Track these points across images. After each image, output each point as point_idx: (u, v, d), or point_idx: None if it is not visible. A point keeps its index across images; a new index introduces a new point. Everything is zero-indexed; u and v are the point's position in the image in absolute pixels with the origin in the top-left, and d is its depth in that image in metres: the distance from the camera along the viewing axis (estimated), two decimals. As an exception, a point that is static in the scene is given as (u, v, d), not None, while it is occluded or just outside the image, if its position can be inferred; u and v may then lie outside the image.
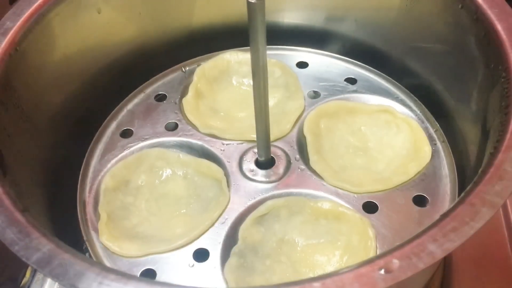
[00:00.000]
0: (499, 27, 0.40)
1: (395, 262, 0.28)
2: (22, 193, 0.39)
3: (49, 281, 0.49)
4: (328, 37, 0.58)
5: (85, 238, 0.44)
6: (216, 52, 0.59)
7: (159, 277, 0.41)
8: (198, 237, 0.43)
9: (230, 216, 0.45)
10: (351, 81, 0.56)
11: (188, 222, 0.46)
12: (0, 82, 0.41)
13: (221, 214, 0.45)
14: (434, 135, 0.50)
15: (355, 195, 0.45)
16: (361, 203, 0.45)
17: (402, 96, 0.54)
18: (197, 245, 0.43)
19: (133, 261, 0.42)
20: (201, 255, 0.42)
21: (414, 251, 0.28)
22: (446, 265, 0.50)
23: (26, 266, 0.50)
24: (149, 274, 0.41)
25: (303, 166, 0.48)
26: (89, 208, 0.46)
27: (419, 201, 0.45)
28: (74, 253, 0.31)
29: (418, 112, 0.52)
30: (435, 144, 0.49)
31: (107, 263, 0.42)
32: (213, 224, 0.44)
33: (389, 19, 0.52)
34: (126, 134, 0.52)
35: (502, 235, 0.51)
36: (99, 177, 0.49)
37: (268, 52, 0.58)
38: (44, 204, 0.43)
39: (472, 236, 0.29)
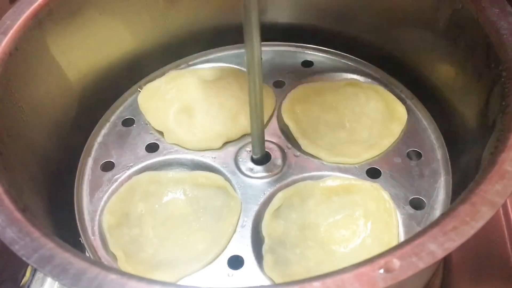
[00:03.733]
0: (499, 27, 0.40)
1: (395, 262, 0.28)
2: (22, 193, 0.38)
3: (49, 280, 0.49)
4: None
5: (110, 281, 0.41)
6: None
7: (203, 296, 0.40)
8: (226, 246, 0.43)
9: (248, 218, 0.45)
10: (308, 64, 0.58)
11: (207, 235, 0.45)
12: (0, 81, 0.41)
13: (239, 218, 0.44)
14: (402, 95, 0.53)
15: (356, 166, 0.47)
16: (364, 171, 0.47)
17: (361, 67, 0.57)
18: (228, 254, 0.42)
19: None
20: (235, 262, 0.42)
21: (415, 250, 0.29)
22: (446, 264, 0.51)
23: (26, 265, 0.49)
24: (192, 296, 0.40)
25: (297, 153, 0.49)
26: (101, 252, 0.43)
27: (413, 155, 0.48)
28: (74, 253, 0.30)
29: (379, 77, 0.55)
30: (405, 102, 0.53)
31: (144, 299, 0.40)
32: (235, 230, 0.44)
33: (389, 17, 0.54)
34: (108, 167, 0.50)
35: (502, 235, 0.51)
36: (97, 217, 0.46)
37: (222, 54, 0.60)
38: None
39: (472, 236, 0.29)
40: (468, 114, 0.46)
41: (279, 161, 0.48)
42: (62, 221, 0.44)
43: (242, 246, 0.43)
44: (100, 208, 0.46)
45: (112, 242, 0.44)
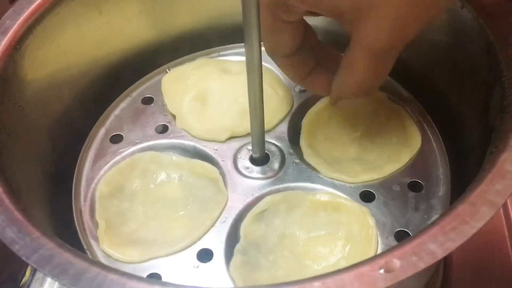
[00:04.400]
0: (500, 26, 0.40)
1: (396, 262, 0.28)
2: (22, 192, 0.39)
3: (49, 280, 0.49)
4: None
5: (85, 247, 0.43)
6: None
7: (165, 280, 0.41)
8: (200, 238, 0.43)
9: (230, 215, 0.45)
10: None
11: (187, 223, 0.45)
12: (0, 81, 0.41)
13: (221, 214, 0.45)
14: (423, 122, 0.51)
15: (352, 185, 0.46)
16: (358, 192, 0.45)
17: (389, 86, 0.55)
18: (200, 246, 0.43)
19: (137, 266, 0.42)
20: (204, 255, 0.42)
21: (415, 250, 0.29)
22: (446, 264, 0.50)
23: (26, 265, 0.50)
24: (155, 277, 0.41)
25: (297, 160, 0.48)
26: (86, 217, 0.46)
27: (414, 186, 0.46)
28: (74, 253, 0.30)
29: (406, 98, 0.53)
30: (424, 130, 0.50)
31: (111, 270, 0.42)
32: (214, 224, 0.44)
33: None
34: (116, 139, 0.52)
35: (502, 235, 0.51)
36: (93, 185, 0.48)
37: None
38: (45, 212, 0.43)
39: (472, 236, 0.29)
40: (468, 113, 0.46)
41: (276, 165, 0.48)
42: (63, 222, 0.44)
43: (216, 241, 0.43)
44: (98, 177, 0.49)
45: (99, 210, 0.46)
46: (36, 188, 0.44)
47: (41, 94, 0.47)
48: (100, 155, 0.50)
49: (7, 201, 0.34)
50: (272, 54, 0.44)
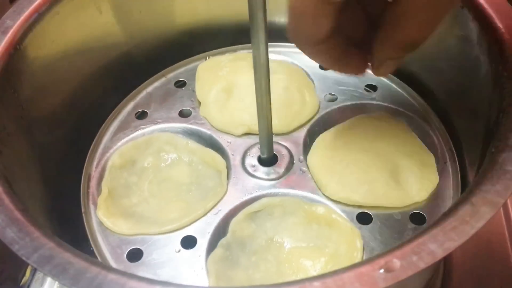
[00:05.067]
0: (499, 26, 0.40)
1: (396, 262, 0.28)
2: (22, 193, 0.38)
3: (49, 280, 0.49)
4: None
5: (83, 210, 0.46)
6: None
7: (145, 258, 0.42)
8: (188, 224, 0.44)
9: (224, 208, 0.45)
10: (372, 88, 0.55)
11: (183, 208, 0.47)
12: (0, 80, 0.41)
13: (215, 205, 0.45)
14: (446, 154, 0.48)
15: (350, 204, 0.45)
16: (356, 213, 0.44)
17: (421, 109, 0.52)
18: (187, 232, 0.44)
19: (124, 238, 0.44)
20: (188, 242, 0.43)
21: (415, 250, 0.28)
22: (446, 264, 0.50)
23: (26, 265, 0.50)
24: (136, 253, 0.43)
25: (305, 168, 0.48)
26: (93, 182, 0.48)
27: (416, 219, 0.44)
28: (74, 253, 0.31)
29: (437, 125, 0.51)
30: (445, 162, 0.47)
31: (99, 237, 0.44)
32: (205, 214, 0.45)
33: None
34: (141, 115, 0.54)
35: (502, 235, 0.51)
36: (108, 154, 0.50)
37: (291, 50, 0.59)
38: (46, 211, 0.44)
39: (472, 236, 0.29)
40: (468, 114, 0.45)
41: (281, 170, 0.47)
42: (63, 222, 0.45)
43: (203, 231, 0.44)
44: (115, 147, 0.51)
45: (107, 179, 0.48)
46: (37, 187, 0.45)
47: (42, 92, 0.47)
48: (122, 128, 0.53)
49: (7, 201, 0.34)
50: (305, 42, 0.36)
